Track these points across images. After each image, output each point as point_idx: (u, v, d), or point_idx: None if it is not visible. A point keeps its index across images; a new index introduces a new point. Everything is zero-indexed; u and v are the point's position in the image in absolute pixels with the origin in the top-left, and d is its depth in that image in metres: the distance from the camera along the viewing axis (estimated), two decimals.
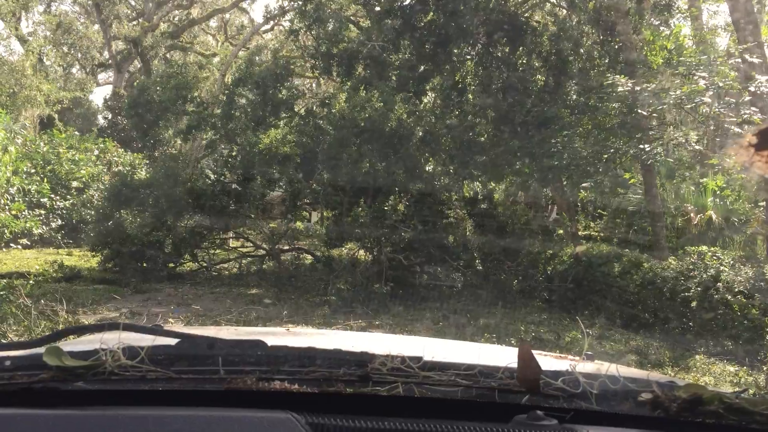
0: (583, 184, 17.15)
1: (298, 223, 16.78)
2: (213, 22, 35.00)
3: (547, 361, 1.69)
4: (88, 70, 37.79)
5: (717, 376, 8.42)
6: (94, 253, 14.99)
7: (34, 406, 1.19)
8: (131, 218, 14.13)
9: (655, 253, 13.86)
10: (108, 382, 1.25)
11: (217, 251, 15.91)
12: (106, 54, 35.09)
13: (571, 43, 14.85)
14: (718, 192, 16.46)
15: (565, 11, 16.77)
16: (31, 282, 10.60)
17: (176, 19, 32.46)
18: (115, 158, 21.19)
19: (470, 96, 15.48)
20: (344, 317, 10.94)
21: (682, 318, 10.70)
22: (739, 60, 13.32)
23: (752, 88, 11.77)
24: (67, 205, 18.94)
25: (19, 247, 17.16)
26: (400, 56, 15.60)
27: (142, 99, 14.68)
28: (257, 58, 16.05)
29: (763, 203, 15.00)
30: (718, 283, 10.42)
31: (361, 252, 14.92)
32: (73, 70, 38.05)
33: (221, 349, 1.37)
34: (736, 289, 10.02)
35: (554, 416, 1.32)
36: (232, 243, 16.51)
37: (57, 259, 14.46)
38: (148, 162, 21.09)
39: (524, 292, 13.54)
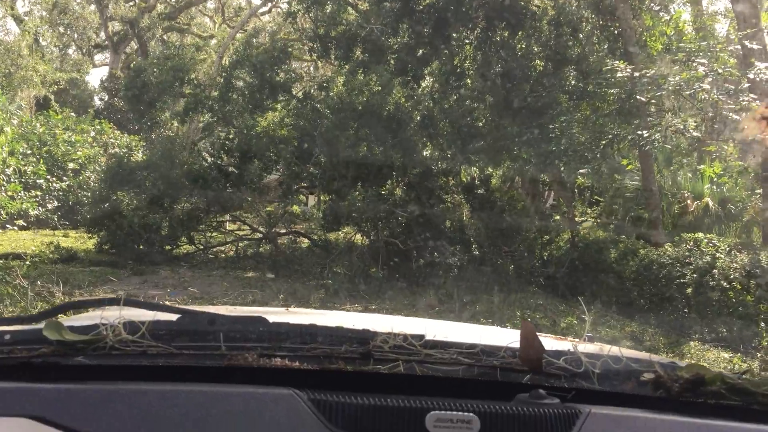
0: (581, 170, 17.17)
1: (295, 207, 16.75)
2: (210, 4, 34.78)
3: (549, 342, 1.69)
4: (84, 51, 37.53)
5: (711, 362, 8.46)
6: (90, 235, 14.95)
7: (33, 380, 1.18)
8: (128, 200, 14.09)
9: (651, 240, 13.88)
10: (108, 357, 1.25)
11: (214, 234, 15.88)
12: (102, 35, 34.84)
13: (570, 29, 14.79)
14: (715, 179, 16.47)
15: None
16: (27, 263, 10.57)
17: (173, 0, 32.22)
18: (111, 140, 21.09)
19: (469, 81, 15.43)
20: (341, 301, 10.96)
21: (678, 304, 10.74)
22: (739, 47, 13.30)
23: (751, 75, 11.75)
24: (64, 187, 18.87)
25: (15, 228, 17.10)
26: (399, 40, 15.52)
27: (139, 80, 14.59)
28: (255, 40, 15.94)
29: (760, 190, 15.03)
30: (714, 270, 10.44)
31: (358, 236, 14.93)
32: (70, 51, 37.79)
33: (222, 325, 1.37)
34: (732, 276, 10.05)
35: (556, 395, 1.32)
36: (229, 226, 16.48)
37: (53, 241, 14.43)
38: (144, 144, 21.02)
39: (521, 277, 13.56)
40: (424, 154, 14.12)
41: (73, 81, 31.28)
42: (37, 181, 18.03)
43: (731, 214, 16.30)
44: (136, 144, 19.96)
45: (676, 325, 10.26)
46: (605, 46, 15.05)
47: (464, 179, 15.68)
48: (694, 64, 12.11)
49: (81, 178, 19.32)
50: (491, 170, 16.95)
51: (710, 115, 12.74)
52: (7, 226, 17.10)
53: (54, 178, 18.60)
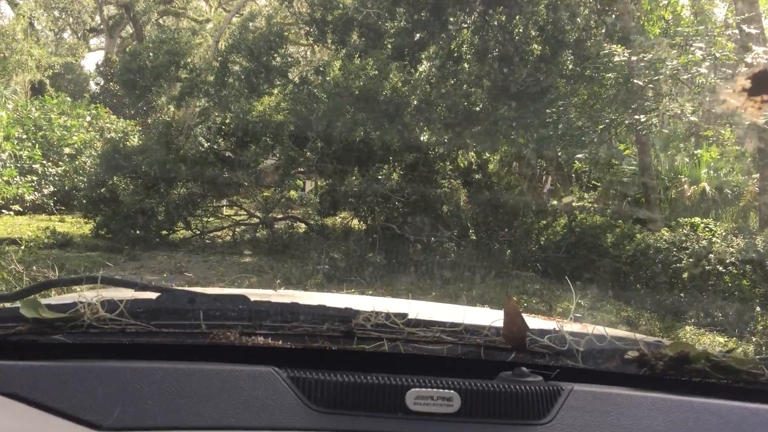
0: (578, 155, 17.15)
1: (292, 192, 16.73)
2: None
3: (535, 322, 1.67)
4: (79, 35, 37.33)
5: (707, 346, 8.49)
6: (86, 220, 14.93)
7: (10, 358, 1.17)
8: (124, 185, 14.05)
9: (648, 225, 13.89)
10: (86, 335, 1.23)
11: (210, 219, 15.87)
12: (97, 19, 34.64)
13: (568, 12, 14.72)
14: (712, 164, 16.45)
15: None
16: (23, 248, 10.54)
17: None
18: (107, 125, 20.99)
19: (466, 65, 15.37)
20: (338, 286, 10.95)
21: (674, 289, 10.75)
22: (737, 31, 13.24)
23: (749, 59, 11.70)
24: (60, 172, 18.81)
25: (11, 213, 17.07)
26: (396, 24, 15.43)
27: (135, 65, 14.51)
28: (251, 24, 15.83)
29: (757, 175, 15.01)
30: (710, 255, 10.45)
31: (355, 221, 14.92)
32: (65, 35, 37.58)
33: (202, 303, 1.35)
34: (728, 261, 10.05)
35: (540, 374, 1.31)
36: (226, 211, 16.47)
37: (49, 226, 14.41)
38: (140, 129, 20.96)
39: (517, 262, 13.56)
40: (421, 138, 14.07)
41: (69, 65, 31.12)
42: (33, 165, 17.97)
43: (728, 199, 16.30)
44: (132, 129, 19.88)
45: (671, 309, 10.27)
46: (603, 30, 14.97)
47: (461, 164, 15.65)
48: (692, 48, 12.07)
49: (77, 163, 19.25)
50: (488, 155, 16.92)
51: (708, 99, 12.68)
52: (3, 211, 17.06)
53: (50, 163, 18.54)
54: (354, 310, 1.39)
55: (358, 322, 1.34)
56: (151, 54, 14.46)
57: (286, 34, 15.33)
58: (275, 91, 14.67)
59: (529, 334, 1.36)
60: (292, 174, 15.16)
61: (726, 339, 8.90)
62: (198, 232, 15.23)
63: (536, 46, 14.90)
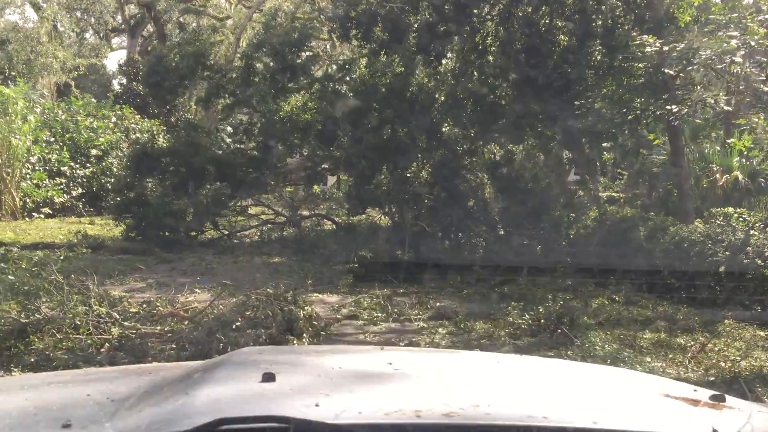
0: (604, 144, 16.94)
1: (315, 187, 16.73)
2: None
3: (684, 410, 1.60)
4: (101, 35, 37.56)
5: (748, 341, 8.34)
6: (116, 223, 15.04)
7: None
8: (153, 187, 14.12)
9: (680, 216, 13.68)
10: None
11: (238, 219, 15.91)
12: (119, 18, 34.82)
13: (594, 1, 14.48)
14: (744, 152, 16.16)
15: None
16: (61, 258, 10.64)
17: None
18: (132, 125, 21.13)
19: (491, 57, 15.19)
20: (369, 285, 10.92)
21: (710, 283, 10.57)
22: None
23: None
24: (87, 174, 18.98)
25: (42, 216, 17.25)
26: (419, 18, 15.29)
27: (160, 67, 14.53)
28: (274, 22, 15.78)
29: None
30: (748, 248, 10.26)
31: (383, 219, 14.87)
32: (86, 36, 37.82)
33: None
34: (767, 253, 9.87)
35: None
36: (252, 210, 16.49)
37: (80, 229, 14.52)
38: (165, 129, 21.04)
39: (548, 257, 13.39)
40: (448, 134, 13.94)
41: (92, 66, 31.34)
42: (61, 168, 18.14)
43: (761, 188, 16.03)
44: (157, 129, 19.97)
45: (709, 304, 10.11)
46: (631, 18, 14.72)
47: (488, 158, 15.52)
48: (724, 36, 11.82)
49: (104, 164, 19.41)
50: (515, 148, 16.77)
51: (741, 87, 12.45)
52: (34, 214, 17.25)
53: (77, 165, 18.70)
54: None
55: None
56: (176, 56, 14.46)
57: (309, 31, 15.23)
58: (301, 89, 14.59)
59: None
60: (319, 171, 15.16)
61: (767, 333, 8.74)
62: (226, 233, 15.29)
63: (563, 37, 14.67)
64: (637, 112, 13.57)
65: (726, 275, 10.33)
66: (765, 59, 11.82)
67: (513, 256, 12.84)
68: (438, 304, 10.09)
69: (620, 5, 14.85)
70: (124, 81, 31.01)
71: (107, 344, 6.77)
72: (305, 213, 15.91)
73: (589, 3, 14.31)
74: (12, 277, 8.47)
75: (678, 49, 11.70)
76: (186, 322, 7.52)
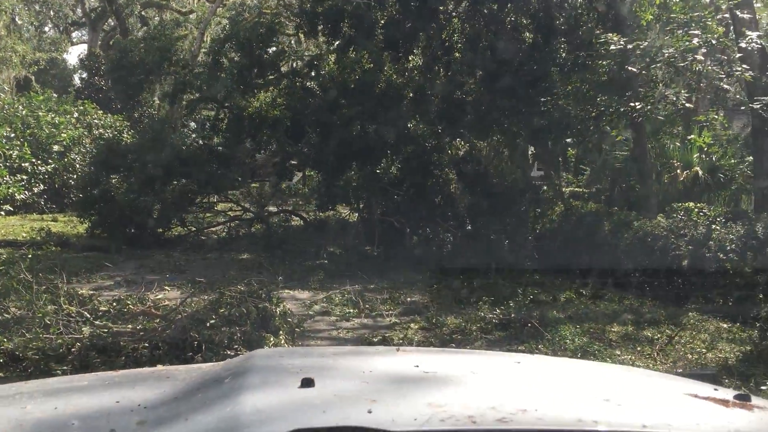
0: (567, 140, 17.20)
1: (283, 183, 16.66)
2: None
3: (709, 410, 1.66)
4: (61, 29, 36.77)
5: (712, 333, 8.57)
6: (81, 220, 14.80)
7: None
8: (118, 183, 13.92)
9: (643, 211, 13.96)
10: None
11: (205, 215, 15.78)
12: (79, 12, 34.12)
13: None
14: (704, 148, 16.54)
15: None
16: (29, 256, 10.44)
17: None
18: (95, 120, 20.73)
19: (457, 54, 15.29)
20: (340, 281, 10.94)
21: (674, 276, 10.82)
22: (727, 15, 13.28)
23: (743, 44, 11.76)
24: (49, 170, 18.57)
25: (2, 213, 16.87)
26: (386, 14, 15.31)
27: (125, 61, 14.33)
28: (240, 17, 15.67)
29: (750, 159, 15.15)
30: (710, 242, 10.53)
31: (352, 215, 14.89)
32: (46, 29, 37.00)
33: None
34: (728, 247, 10.13)
35: None
36: (220, 207, 16.36)
37: (43, 226, 14.24)
38: (129, 124, 20.70)
39: (515, 252, 13.57)
40: (416, 130, 14.01)
41: (53, 60, 30.65)
42: (23, 164, 17.74)
43: (720, 183, 16.42)
44: (122, 125, 19.65)
45: (673, 297, 10.35)
46: (594, 17, 14.95)
47: (455, 154, 15.63)
48: (683, 35, 12.09)
49: (66, 160, 19.02)
50: (481, 144, 16.91)
51: (702, 85, 12.75)
52: None
53: (39, 161, 18.31)
54: None
55: None
56: (142, 51, 14.25)
57: (277, 27, 15.14)
58: (269, 85, 14.52)
59: None
60: (288, 167, 15.11)
61: (730, 325, 8.99)
62: (193, 229, 15.16)
63: (528, 34, 14.85)
64: (601, 108, 13.80)
65: (689, 269, 10.58)
66: (725, 57, 12.14)
67: (481, 251, 12.97)
68: (409, 299, 10.17)
69: (583, 3, 15.08)
70: (86, 76, 30.43)
71: (78, 344, 6.67)
72: (273, 209, 15.85)
73: (553, 1, 14.49)
74: None
75: (641, 47, 11.95)
76: (158, 320, 7.44)
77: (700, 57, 11.30)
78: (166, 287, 9.93)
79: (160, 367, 2.21)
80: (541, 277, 11.90)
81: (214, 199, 16.08)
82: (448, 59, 15.13)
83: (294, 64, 17.64)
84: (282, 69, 15.92)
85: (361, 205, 13.63)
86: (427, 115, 14.26)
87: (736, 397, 1.78)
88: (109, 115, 21.48)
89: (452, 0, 15.34)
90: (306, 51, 18.90)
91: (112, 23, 31.71)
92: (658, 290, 10.72)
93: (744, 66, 11.64)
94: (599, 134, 15.41)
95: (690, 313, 9.42)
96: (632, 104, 12.43)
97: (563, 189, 19.06)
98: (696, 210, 12.58)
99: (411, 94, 13.73)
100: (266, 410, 1.50)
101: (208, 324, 6.79)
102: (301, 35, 20.61)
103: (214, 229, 15.76)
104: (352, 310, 9.27)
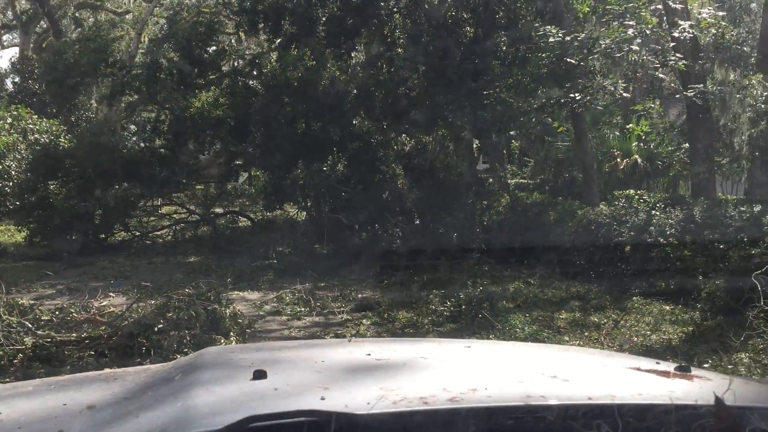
0: (511, 132, 17.45)
1: (228, 184, 16.45)
2: None
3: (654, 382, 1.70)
4: None
5: (655, 315, 8.80)
6: (18, 228, 14.34)
7: None
8: (57, 190, 13.52)
9: (586, 199, 14.25)
10: None
11: (150, 219, 15.47)
12: (9, 14, 32.99)
13: None
14: (642, 137, 16.99)
15: None
16: None
17: None
18: (30, 125, 20.05)
19: (400, 50, 15.34)
20: (290, 281, 10.87)
21: (618, 262, 11.06)
22: (660, 6, 13.67)
23: (676, 34, 12.12)
24: None
25: None
26: (327, 11, 15.26)
27: (60, 64, 13.91)
28: (179, 17, 15.38)
29: (686, 145, 15.63)
30: (650, 227, 10.80)
31: (299, 213, 14.79)
32: None
33: None
34: (668, 232, 10.41)
35: None
36: (165, 209, 16.06)
37: None
38: (66, 129, 20.10)
39: (463, 244, 13.67)
40: (361, 127, 14.01)
41: None
42: None
43: (659, 170, 16.90)
44: (58, 129, 19.07)
45: (617, 283, 10.58)
46: (533, 10, 15.17)
47: (401, 149, 15.68)
48: (618, 26, 12.40)
49: (1, 167, 18.37)
50: (426, 138, 17.01)
51: (638, 75, 13.08)
52: None
53: None
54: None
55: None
56: (77, 52, 13.86)
57: (216, 26, 14.92)
58: (211, 85, 14.31)
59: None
60: (233, 167, 14.92)
61: (672, 307, 9.24)
62: (138, 234, 14.84)
63: (469, 28, 14.99)
64: (542, 100, 14.04)
65: (631, 254, 10.85)
66: (659, 47, 12.48)
67: (430, 245, 13.03)
68: (360, 295, 10.16)
69: None
70: (18, 80, 29.43)
71: (21, 354, 6.47)
72: (219, 210, 15.63)
73: None
74: None
75: (579, 39, 12.18)
76: (104, 328, 7.26)
77: (635, 47, 11.58)
78: (111, 294, 9.68)
79: (107, 370, 2.15)
80: (490, 268, 12.02)
81: (158, 203, 15.79)
82: (390, 55, 15.17)
83: (235, 63, 17.43)
84: (223, 68, 15.71)
85: (308, 204, 13.54)
86: (372, 111, 14.27)
87: (677, 368, 1.83)
88: (45, 119, 20.81)
89: None
90: (247, 50, 18.72)
91: (45, 25, 30.76)
92: (603, 276, 10.93)
93: (677, 55, 12.00)
94: (541, 126, 15.67)
95: (634, 297, 9.66)
96: (572, 95, 12.66)
97: (508, 181, 19.35)
98: (636, 197, 12.93)
99: (355, 91, 13.70)
100: (218, 402, 1.48)
101: (155, 329, 6.66)
102: (242, 34, 20.41)
103: (159, 232, 15.47)
104: (303, 309, 9.21)
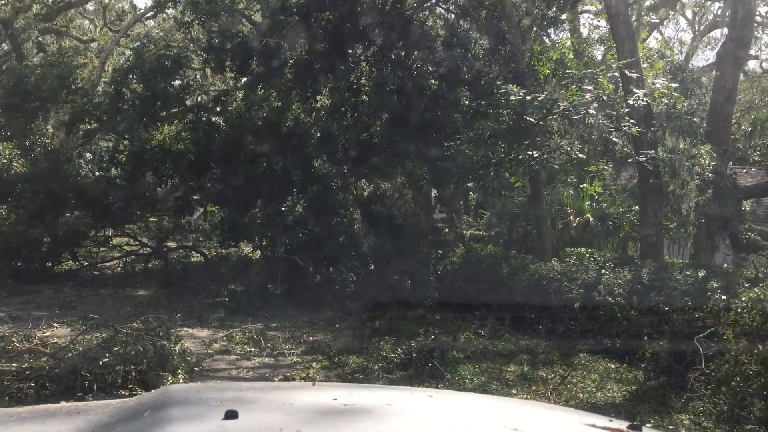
0: (469, 184, 17.72)
1: (183, 219, 16.27)
2: (90, 6, 33.11)
3: None
4: None
5: (601, 373, 8.96)
6: None
7: None
8: (6, 214, 13.21)
9: (539, 255, 14.49)
10: None
11: (100, 249, 15.16)
12: None
13: (462, 50, 15.24)
14: (595, 197, 17.43)
15: (454, 16, 17.13)
16: None
17: (51, 0, 30.49)
18: None
19: (365, 97, 15.57)
20: (241, 320, 10.75)
21: (567, 318, 11.23)
22: (617, 73, 14.21)
23: (631, 101, 12.60)
24: None
25: None
26: (295, 54, 15.44)
27: (20, 87, 13.74)
28: (145, 48, 15.38)
29: (636, 208, 16.07)
30: (600, 286, 11.03)
31: (254, 252, 14.69)
32: None
33: None
34: (616, 291, 10.65)
35: None
36: (116, 240, 15.76)
37: None
38: (19, 152, 19.73)
39: (416, 292, 13.70)
40: (322, 169, 14.09)
41: None
42: None
43: (609, 230, 17.30)
44: (12, 153, 18.70)
45: (565, 338, 10.73)
46: (496, 68, 15.62)
47: (360, 194, 15.80)
48: (577, 90, 12.85)
49: None
50: (386, 186, 17.19)
51: (593, 137, 13.51)
52: None
53: None
54: None
55: None
56: (39, 77, 13.71)
57: (183, 61, 14.95)
58: (174, 119, 14.27)
59: None
60: (190, 202, 14.80)
61: (617, 365, 9.42)
62: (86, 264, 14.53)
63: (433, 81, 15.32)
64: (501, 155, 14.33)
65: (580, 311, 11.03)
66: (614, 112, 12.93)
67: (384, 291, 13.05)
68: (311, 338, 10.10)
69: (486, 56, 15.74)
70: None
71: None
72: (172, 244, 15.42)
73: (457, 51, 15.04)
74: None
75: (539, 99, 12.58)
76: (46, 359, 7.06)
77: (592, 111, 11.99)
78: (55, 324, 9.46)
79: (64, 403, 2.12)
80: (442, 317, 12.02)
81: (109, 233, 15.50)
82: (355, 101, 15.37)
83: (200, 99, 17.40)
84: (187, 102, 15.68)
85: (264, 243, 13.48)
86: (333, 155, 14.38)
87: (629, 426, 1.90)
88: None
89: (361, 44, 15.65)
90: (212, 86, 18.73)
91: (6, 47, 30.33)
92: (552, 331, 11.08)
93: (631, 121, 12.44)
94: (499, 180, 15.96)
95: (581, 354, 9.80)
96: (530, 152, 12.99)
97: (464, 231, 19.55)
98: (587, 255, 13.17)
99: (318, 134, 13.82)
100: None
101: (101, 362, 6.52)
102: (208, 70, 20.44)
103: (108, 263, 15.17)
104: (253, 349, 9.11)
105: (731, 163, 17.75)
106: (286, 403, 1.85)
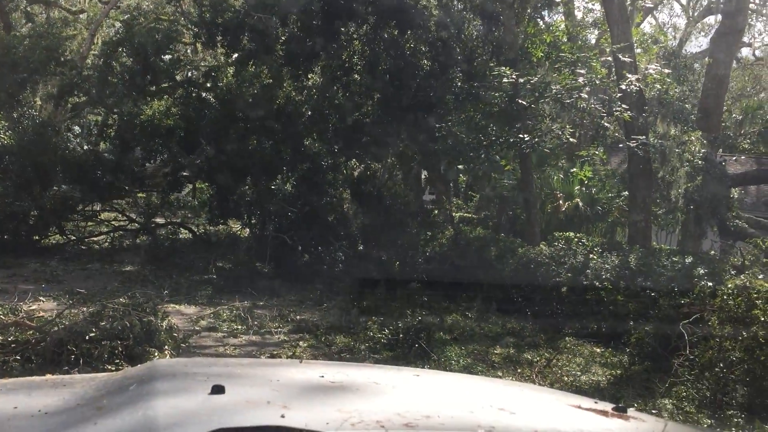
0: (459, 166, 17.71)
1: (172, 195, 16.19)
2: None
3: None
4: None
5: (586, 357, 9.02)
6: None
7: None
8: None
9: (527, 238, 14.53)
10: None
11: (88, 224, 15.07)
12: None
13: (455, 30, 15.15)
14: (585, 181, 17.47)
15: None
16: None
17: None
18: None
19: (357, 76, 15.47)
20: (228, 297, 10.74)
21: (554, 302, 11.29)
22: (610, 58, 14.18)
23: (623, 86, 12.59)
24: None
25: None
26: (288, 30, 15.29)
27: (7, 59, 13.55)
28: (136, 21, 15.19)
29: (625, 193, 16.13)
30: (587, 270, 11.09)
31: (243, 230, 14.65)
32: None
33: None
34: (604, 276, 10.71)
35: None
36: (104, 215, 15.67)
37: None
38: (6, 124, 19.53)
39: (404, 273, 13.73)
40: (313, 149, 14.03)
41: None
42: None
43: (598, 215, 17.36)
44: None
45: (552, 322, 10.80)
46: (489, 50, 15.55)
47: (350, 174, 15.75)
48: (570, 74, 12.83)
49: None
50: (376, 165, 17.13)
51: (585, 121, 13.51)
52: None
53: None
54: None
55: None
56: (27, 48, 13.52)
57: (174, 35, 14.78)
58: (164, 95, 14.13)
59: None
60: (179, 178, 14.71)
61: (603, 350, 9.49)
62: (73, 238, 14.45)
63: (426, 62, 15.22)
64: (492, 138, 14.29)
65: (567, 294, 11.10)
66: (606, 97, 12.93)
67: (372, 271, 13.08)
68: (299, 317, 10.11)
69: (479, 37, 15.66)
70: None
71: None
72: (160, 221, 15.35)
73: (451, 32, 14.95)
74: None
75: (531, 82, 12.54)
76: (32, 332, 7.03)
77: (584, 95, 11.98)
78: (42, 298, 9.41)
79: (50, 376, 2.12)
80: (429, 298, 12.07)
81: (97, 208, 15.40)
82: (347, 80, 15.27)
83: (190, 74, 17.24)
84: (177, 77, 15.52)
85: (253, 221, 13.43)
86: (324, 134, 14.32)
87: (614, 408, 1.92)
88: None
89: (354, 23, 15.52)
90: (203, 61, 18.54)
91: None
92: (538, 314, 11.14)
93: (623, 106, 12.43)
94: (489, 163, 15.96)
95: (567, 338, 9.86)
96: (521, 136, 12.98)
97: (453, 214, 19.57)
98: (576, 239, 13.23)
99: (309, 112, 13.73)
100: (179, 414, 1.48)
101: (87, 337, 6.49)
102: (199, 45, 20.23)
103: (96, 238, 15.09)
104: (240, 327, 9.11)
105: (721, 150, 17.80)
106: (273, 379, 1.85)
